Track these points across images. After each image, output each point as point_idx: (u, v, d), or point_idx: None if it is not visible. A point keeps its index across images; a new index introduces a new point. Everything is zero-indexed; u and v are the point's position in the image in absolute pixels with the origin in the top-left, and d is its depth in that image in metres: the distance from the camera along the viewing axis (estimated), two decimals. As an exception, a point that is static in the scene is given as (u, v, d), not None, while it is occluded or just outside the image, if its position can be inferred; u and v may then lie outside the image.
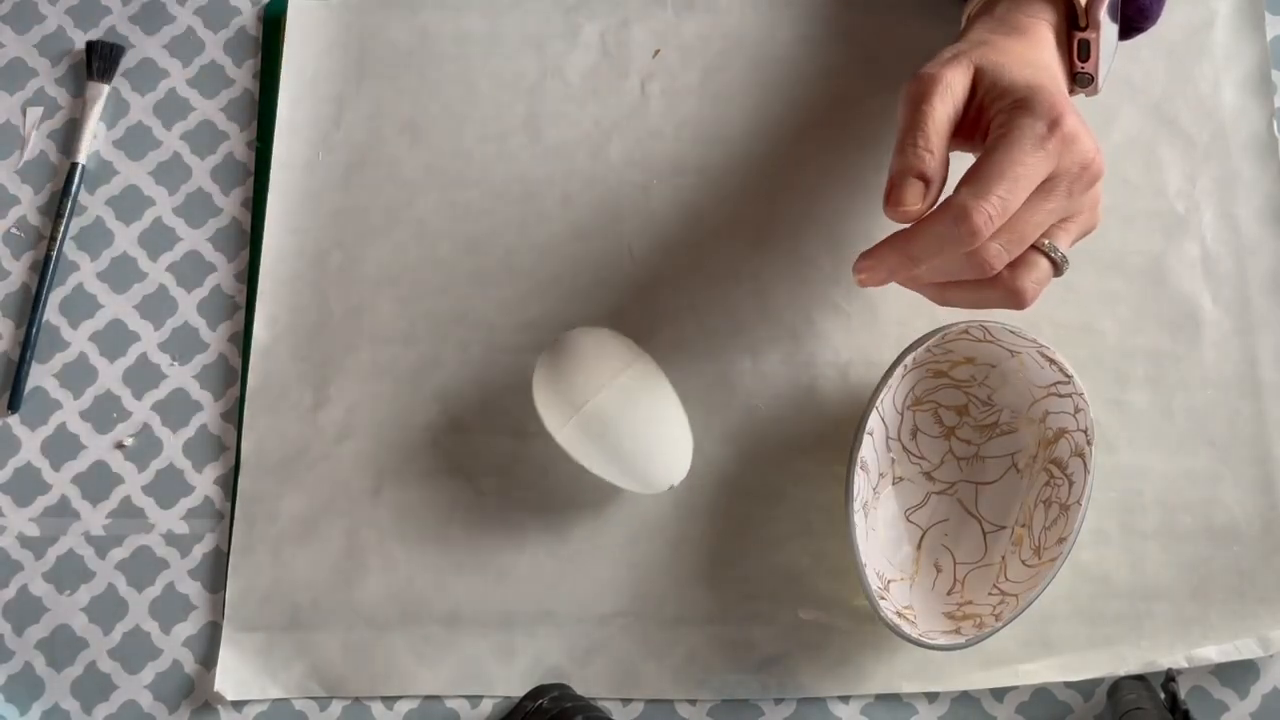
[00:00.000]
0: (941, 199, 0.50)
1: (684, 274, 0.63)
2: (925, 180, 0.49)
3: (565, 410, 0.57)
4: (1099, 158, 0.50)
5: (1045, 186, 0.49)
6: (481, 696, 0.59)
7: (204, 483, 0.62)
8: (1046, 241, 0.51)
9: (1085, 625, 0.58)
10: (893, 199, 0.49)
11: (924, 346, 0.56)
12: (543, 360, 0.58)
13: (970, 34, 0.54)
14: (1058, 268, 0.52)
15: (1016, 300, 0.51)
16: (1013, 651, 0.58)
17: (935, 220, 0.49)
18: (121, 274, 0.65)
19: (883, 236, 0.52)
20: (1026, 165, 0.48)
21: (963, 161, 0.52)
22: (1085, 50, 0.54)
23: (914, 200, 0.49)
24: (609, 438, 0.56)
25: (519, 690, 0.58)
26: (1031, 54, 0.52)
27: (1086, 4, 0.53)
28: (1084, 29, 0.54)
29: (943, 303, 0.53)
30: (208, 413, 0.63)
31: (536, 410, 0.57)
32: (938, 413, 0.60)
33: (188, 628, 0.60)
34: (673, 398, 0.58)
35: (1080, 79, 0.55)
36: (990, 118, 0.51)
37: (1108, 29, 0.55)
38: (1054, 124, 0.48)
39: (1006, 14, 0.54)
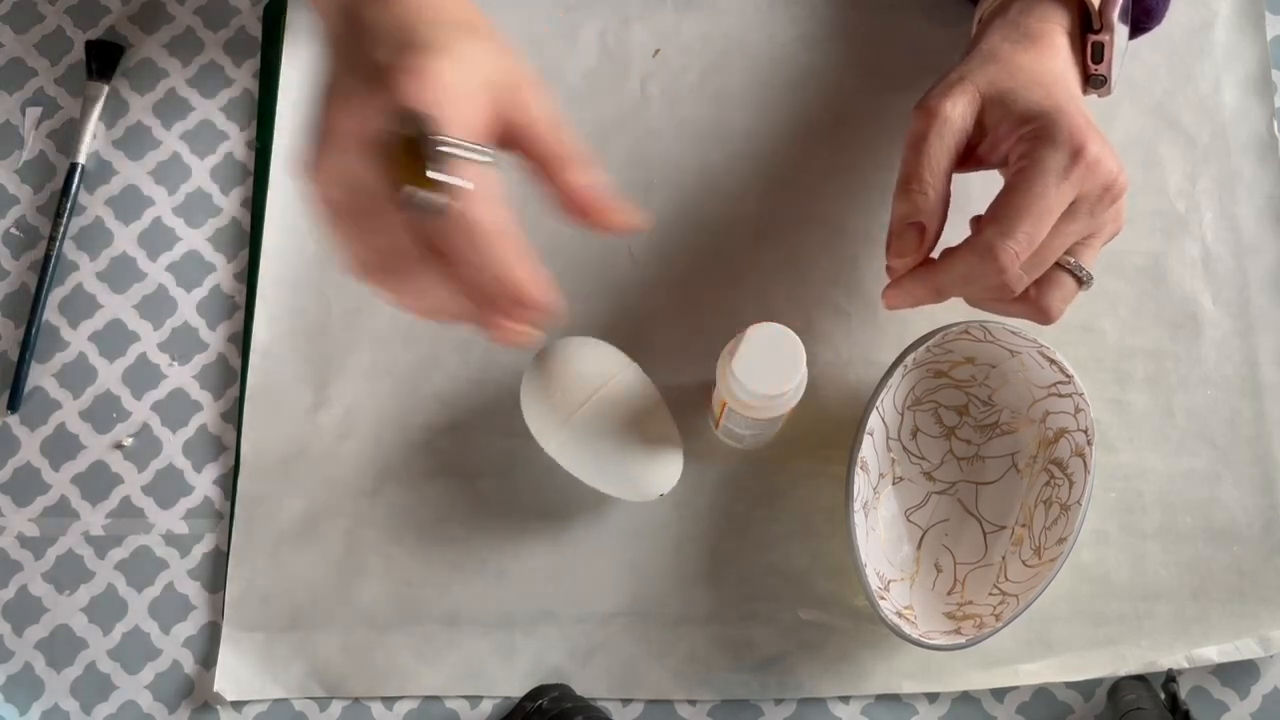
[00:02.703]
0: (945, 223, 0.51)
1: (684, 274, 0.63)
2: (921, 228, 0.50)
3: (554, 421, 0.56)
4: (1122, 177, 0.50)
5: (1068, 212, 0.50)
6: (481, 696, 0.59)
7: (203, 483, 0.62)
8: (1071, 260, 0.51)
9: (1086, 625, 0.58)
10: (893, 249, 0.51)
11: (924, 346, 0.56)
12: (530, 371, 0.57)
13: (982, 44, 0.54)
14: (1082, 283, 0.52)
15: (1043, 316, 0.53)
16: (1013, 651, 0.58)
17: (962, 256, 0.50)
18: (121, 274, 0.64)
19: (883, 236, 0.53)
20: (1050, 200, 0.48)
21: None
22: (1099, 53, 0.54)
23: (909, 250, 0.51)
24: (599, 448, 0.56)
25: (519, 690, 0.58)
26: (1043, 66, 0.52)
27: (1100, 6, 0.53)
28: (1098, 31, 0.54)
29: (973, 305, 0.54)
30: (207, 413, 0.63)
31: (525, 421, 0.57)
32: (938, 413, 0.60)
33: (187, 628, 0.60)
34: (662, 406, 0.58)
35: (1094, 81, 0.55)
36: (1009, 147, 0.51)
37: (1120, 30, 0.54)
38: (1077, 153, 0.48)
39: (1019, 18, 0.54)
